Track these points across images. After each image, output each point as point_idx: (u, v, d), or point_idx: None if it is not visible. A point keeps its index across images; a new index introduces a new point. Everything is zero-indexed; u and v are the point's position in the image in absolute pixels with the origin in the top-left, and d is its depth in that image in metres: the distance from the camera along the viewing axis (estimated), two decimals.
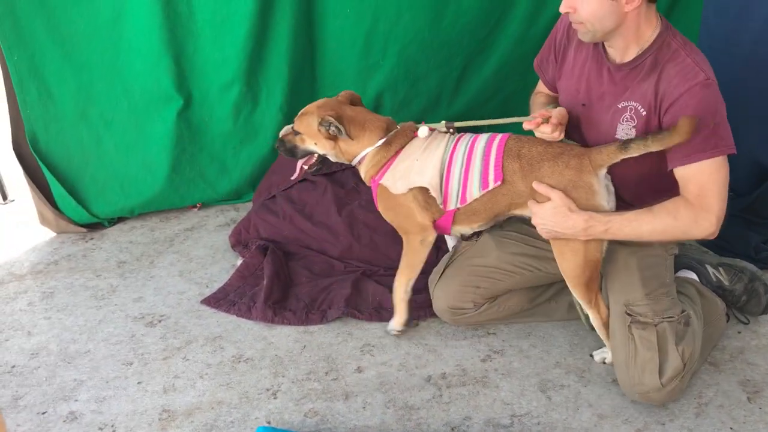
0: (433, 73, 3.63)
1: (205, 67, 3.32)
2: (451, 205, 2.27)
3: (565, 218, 2.09)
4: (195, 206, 3.61)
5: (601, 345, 2.38)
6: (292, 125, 2.41)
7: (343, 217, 3.03)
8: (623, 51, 2.10)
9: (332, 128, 2.29)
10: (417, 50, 3.55)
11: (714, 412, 2.14)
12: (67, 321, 2.71)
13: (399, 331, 2.51)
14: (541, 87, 2.51)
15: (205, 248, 3.23)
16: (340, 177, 3.22)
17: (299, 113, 2.39)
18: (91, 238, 3.35)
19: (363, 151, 2.34)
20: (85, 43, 3.14)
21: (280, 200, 3.18)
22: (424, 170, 2.25)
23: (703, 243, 2.99)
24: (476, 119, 2.46)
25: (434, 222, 2.33)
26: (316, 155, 2.43)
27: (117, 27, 3.15)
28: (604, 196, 2.11)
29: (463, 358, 2.42)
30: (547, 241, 2.30)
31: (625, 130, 2.11)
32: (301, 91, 3.56)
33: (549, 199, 2.11)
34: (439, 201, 2.26)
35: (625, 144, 2.02)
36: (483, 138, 2.25)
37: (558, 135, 2.16)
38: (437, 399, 2.24)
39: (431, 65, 3.61)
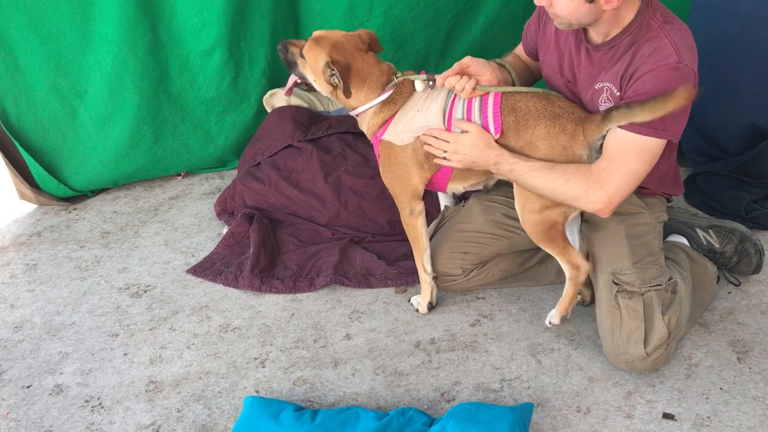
0: (420, 34, 3.56)
1: (183, 34, 3.21)
2: None
3: (481, 151, 2.11)
4: (179, 174, 3.55)
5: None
6: (300, 44, 2.28)
7: (329, 183, 2.98)
8: (604, 35, 2.03)
9: (334, 78, 2.20)
10: (403, 10, 3.47)
11: (704, 373, 2.14)
12: (51, 293, 2.67)
13: (425, 313, 2.46)
14: (518, 49, 2.43)
15: (190, 217, 3.19)
16: (325, 143, 3.17)
17: (314, 36, 2.25)
18: (74, 209, 3.30)
19: (361, 106, 2.26)
20: (52, 9, 3.00)
21: (265, 167, 3.12)
22: (428, 118, 2.18)
23: (695, 204, 2.99)
24: None
25: (432, 177, 2.28)
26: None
27: None
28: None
29: (452, 323, 2.41)
30: None
31: None
32: None
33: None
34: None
35: (607, 113, 1.94)
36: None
37: (467, 85, 2.10)
38: (426, 365, 2.22)
39: (418, 26, 3.53)
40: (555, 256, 2.21)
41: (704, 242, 2.50)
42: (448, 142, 2.15)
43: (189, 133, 3.45)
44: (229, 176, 3.50)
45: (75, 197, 3.37)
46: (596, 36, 2.05)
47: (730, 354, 2.21)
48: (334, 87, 2.24)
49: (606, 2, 1.89)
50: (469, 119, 2.14)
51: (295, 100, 3.39)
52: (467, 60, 2.15)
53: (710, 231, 2.51)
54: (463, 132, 2.14)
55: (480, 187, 2.37)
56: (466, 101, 2.16)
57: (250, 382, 2.19)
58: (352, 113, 2.32)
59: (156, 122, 3.33)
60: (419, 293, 2.50)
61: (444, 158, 2.18)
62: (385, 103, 2.24)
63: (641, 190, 2.19)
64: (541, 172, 2.03)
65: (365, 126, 2.32)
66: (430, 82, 2.19)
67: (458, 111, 2.16)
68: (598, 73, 2.05)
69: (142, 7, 3.08)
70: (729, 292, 2.49)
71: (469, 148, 2.12)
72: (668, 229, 2.51)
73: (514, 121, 2.10)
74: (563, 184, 2.01)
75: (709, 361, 2.19)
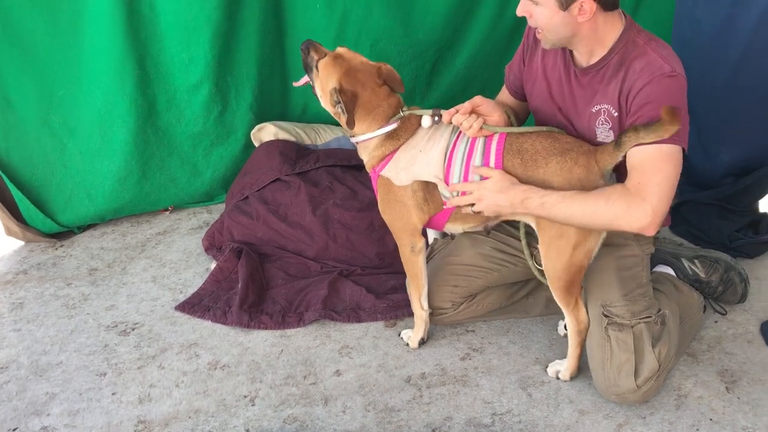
0: (406, 67, 3.60)
1: (171, 69, 3.24)
2: (451, 203, 2.20)
3: (506, 192, 2.06)
4: (166, 209, 3.55)
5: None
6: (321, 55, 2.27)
7: (318, 216, 2.99)
8: (588, 55, 2.07)
9: (338, 107, 2.19)
10: (388, 45, 3.52)
11: (693, 404, 2.15)
12: (38, 332, 2.64)
13: (414, 348, 2.46)
14: (501, 95, 2.46)
15: (178, 252, 3.18)
16: (313, 176, 3.18)
17: (335, 53, 2.24)
18: (61, 245, 3.28)
19: (361, 135, 2.25)
20: (45, 47, 3.04)
21: (253, 201, 3.13)
22: (429, 162, 2.17)
23: (679, 233, 3.01)
24: None
25: (430, 218, 2.27)
26: None
27: (78, 31, 3.05)
28: None
29: (443, 356, 2.41)
30: (519, 239, 2.29)
31: (603, 132, 2.08)
32: (272, 88, 3.52)
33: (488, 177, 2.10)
34: (445, 194, 2.19)
35: (618, 140, 1.96)
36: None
37: (475, 124, 2.12)
38: (417, 400, 2.22)
39: (404, 59, 3.58)
40: (565, 310, 2.18)
41: (690, 272, 2.53)
42: (471, 193, 2.12)
43: (176, 168, 3.46)
44: (217, 210, 3.50)
45: (62, 233, 3.36)
46: (581, 58, 2.10)
47: (718, 384, 2.22)
48: (337, 110, 2.23)
49: (580, 13, 1.94)
50: (470, 159, 2.13)
51: (282, 134, 3.41)
52: (478, 99, 2.17)
53: (696, 261, 2.54)
54: (483, 178, 2.11)
55: (480, 228, 2.34)
56: (470, 141, 2.15)
57: (240, 420, 2.17)
58: (352, 139, 2.29)
59: (144, 157, 3.34)
60: (409, 327, 2.50)
61: (473, 211, 2.15)
62: (388, 137, 2.22)
63: None
64: (576, 198, 1.97)
65: (365, 157, 2.29)
66: (436, 118, 2.18)
67: (460, 150, 2.15)
68: (593, 96, 2.08)
69: (130, 43, 3.10)
70: (716, 322, 2.51)
71: (494, 193, 2.08)
72: (654, 260, 2.53)
73: (521, 162, 2.08)
74: (603, 206, 1.94)
75: (698, 391, 2.20)
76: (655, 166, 1.93)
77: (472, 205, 2.14)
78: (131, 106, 3.21)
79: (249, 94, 3.43)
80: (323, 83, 2.24)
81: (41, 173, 3.27)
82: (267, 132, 3.45)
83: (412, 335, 2.46)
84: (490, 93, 2.50)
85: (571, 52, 2.13)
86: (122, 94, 3.18)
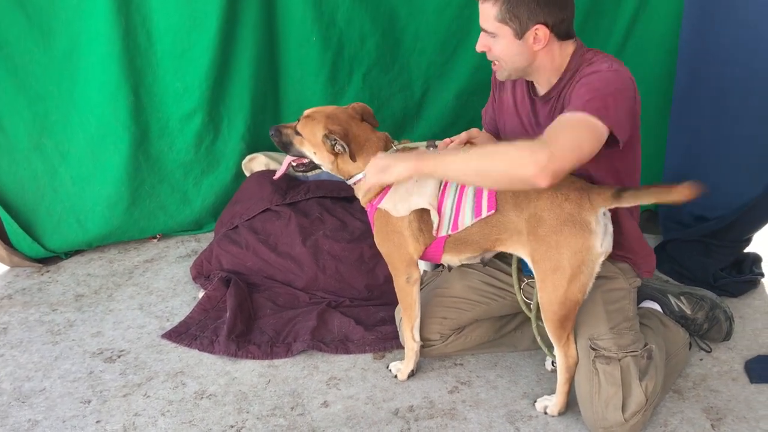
0: (396, 97, 3.66)
1: (164, 98, 3.28)
2: (443, 231, 2.21)
3: (399, 159, 2.07)
4: (155, 237, 3.54)
5: None
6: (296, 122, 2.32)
7: (307, 247, 3.00)
8: (547, 84, 2.16)
9: (337, 146, 2.23)
10: (380, 73, 3.58)
11: None
12: (22, 358, 2.61)
13: (403, 380, 2.45)
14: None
15: (166, 280, 3.17)
16: (304, 207, 3.19)
17: (305, 114, 2.30)
18: (47, 271, 3.26)
19: (358, 173, 2.28)
20: (41, 73, 3.08)
21: (243, 231, 3.14)
22: (424, 191, 2.20)
23: (664, 271, 3.05)
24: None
25: (425, 249, 2.28)
26: (308, 159, 2.35)
27: (74, 57, 3.11)
28: (600, 237, 2.04)
29: (431, 389, 2.40)
30: (509, 274, 2.31)
31: None
32: (264, 119, 3.55)
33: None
34: (436, 223, 2.21)
35: (619, 192, 1.99)
36: None
37: None
38: None
39: (394, 89, 3.64)
40: (557, 345, 2.18)
41: (676, 308, 2.56)
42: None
43: (166, 195, 3.47)
44: (206, 239, 3.50)
45: (48, 258, 3.34)
46: (540, 88, 2.18)
47: (704, 421, 2.24)
48: (336, 156, 2.27)
49: (535, 41, 2.05)
50: (463, 189, 2.17)
51: (273, 165, 3.43)
52: (475, 131, 2.25)
53: (682, 297, 2.57)
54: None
55: (477, 260, 2.34)
56: None
57: None
58: (349, 182, 2.33)
59: (134, 184, 3.35)
60: (398, 359, 2.50)
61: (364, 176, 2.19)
62: None
63: (614, 255, 2.24)
64: (486, 148, 2.03)
65: (362, 192, 2.31)
66: (430, 149, 2.23)
67: (453, 184, 2.18)
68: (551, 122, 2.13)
69: (125, 71, 3.15)
70: (701, 359, 2.54)
71: (384, 158, 2.11)
72: (641, 295, 2.56)
73: (513, 195, 2.11)
74: (507, 148, 1.94)
75: (684, 428, 2.21)
76: (572, 126, 1.92)
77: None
78: (124, 133, 3.24)
79: (241, 124, 3.47)
80: (311, 139, 2.28)
81: (31, 197, 3.27)
82: (258, 162, 3.47)
83: (401, 367, 2.46)
84: (480, 125, 2.55)
85: (531, 83, 2.22)
86: (116, 120, 3.20)
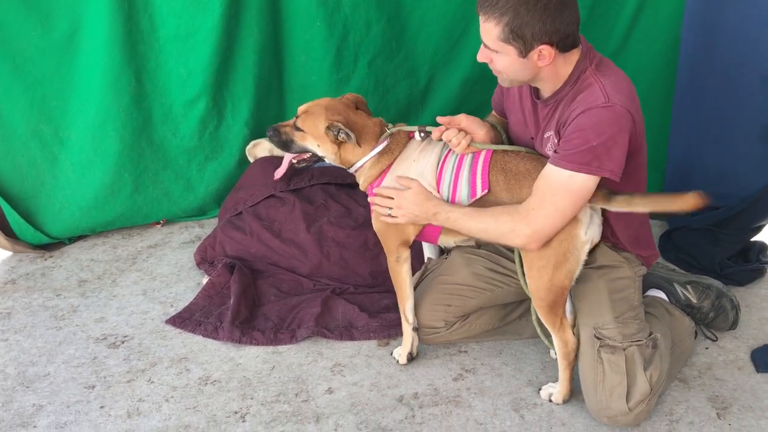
0: (401, 84, 3.62)
1: (167, 83, 3.25)
2: None
3: (421, 204, 2.20)
4: (158, 222, 3.53)
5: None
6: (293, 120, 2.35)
7: (312, 233, 2.98)
8: (550, 90, 2.12)
9: (341, 134, 2.26)
10: (385, 60, 3.54)
11: (685, 429, 2.15)
12: (25, 343, 2.61)
13: (404, 364, 2.46)
14: (492, 117, 2.52)
15: (170, 266, 3.16)
16: (308, 193, 3.18)
17: (303, 110, 2.34)
18: (51, 256, 3.25)
19: (359, 161, 2.33)
20: (39, 57, 3.04)
21: (247, 217, 3.12)
22: (423, 171, 2.25)
23: (670, 260, 3.03)
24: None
25: (423, 229, 2.31)
26: (310, 153, 2.38)
27: (74, 42, 3.07)
28: (584, 226, 2.08)
29: (435, 377, 2.40)
30: (512, 260, 2.31)
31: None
32: (268, 105, 3.52)
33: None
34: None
35: (610, 194, 2.01)
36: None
37: (463, 141, 2.19)
38: (410, 420, 2.20)
39: (399, 76, 3.60)
40: (552, 331, 2.20)
41: (682, 297, 2.55)
42: (392, 198, 2.24)
43: (170, 182, 3.45)
44: (210, 225, 3.49)
45: (51, 244, 3.33)
46: (544, 92, 2.16)
47: (709, 410, 2.23)
48: (339, 146, 2.30)
49: (539, 59, 2.00)
50: (458, 174, 2.20)
51: (277, 151, 3.41)
52: (462, 117, 2.23)
53: (688, 286, 2.56)
54: (406, 189, 2.23)
55: (472, 242, 2.38)
56: (458, 157, 2.22)
57: None
58: (351, 170, 2.37)
59: (137, 170, 3.33)
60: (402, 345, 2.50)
61: (390, 215, 2.26)
62: (381, 153, 2.31)
63: (618, 245, 2.24)
64: (474, 215, 2.14)
65: (362, 178, 2.35)
66: (422, 134, 2.28)
67: (449, 166, 2.22)
68: (546, 124, 2.15)
69: (128, 56, 3.11)
70: (706, 348, 2.53)
71: (411, 203, 2.22)
72: (647, 284, 2.55)
73: (504, 179, 2.16)
74: (492, 225, 2.10)
75: (689, 417, 2.20)
76: (556, 196, 2.00)
77: (391, 209, 2.26)
78: (126, 119, 3.21)
79: (245, 110, 3.44)
80: (313, 131, 2.31)
81: (30, 185, 3.25)
82: (262, 148, 3.45)
83: (401, 351, 2.46)
84: (485, 113, 2.53)
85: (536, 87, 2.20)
86: (118, 106, 3.17)
